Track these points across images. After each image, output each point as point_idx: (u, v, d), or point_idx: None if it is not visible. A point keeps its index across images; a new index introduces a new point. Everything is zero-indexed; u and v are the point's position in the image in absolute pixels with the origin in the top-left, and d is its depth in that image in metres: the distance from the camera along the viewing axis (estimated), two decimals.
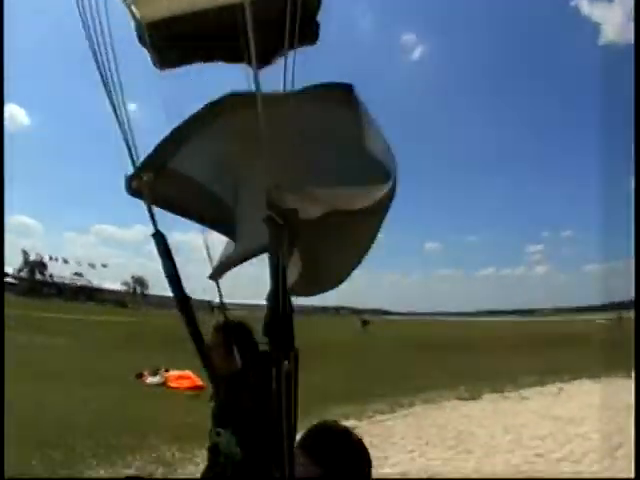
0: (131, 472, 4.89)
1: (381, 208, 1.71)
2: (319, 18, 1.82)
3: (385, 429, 7.48)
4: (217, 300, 2.18)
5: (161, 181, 1.81)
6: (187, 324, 1.89)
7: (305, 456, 1.40)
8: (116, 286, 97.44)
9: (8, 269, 77.04)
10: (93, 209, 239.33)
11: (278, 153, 1.57)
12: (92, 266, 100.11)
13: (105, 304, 54.02)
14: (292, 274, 1.93)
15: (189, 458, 5.48)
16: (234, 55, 1.64)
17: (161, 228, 1.80)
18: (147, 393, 9.16)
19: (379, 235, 1.98)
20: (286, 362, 1.44)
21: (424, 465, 5.96)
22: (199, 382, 8.68)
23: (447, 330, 41.40)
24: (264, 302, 1.54)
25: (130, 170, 1.75)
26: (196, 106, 1.80)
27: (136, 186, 1.76)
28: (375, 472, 1.38)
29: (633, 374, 8.26)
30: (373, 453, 1.39)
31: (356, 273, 2.18)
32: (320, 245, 1.88)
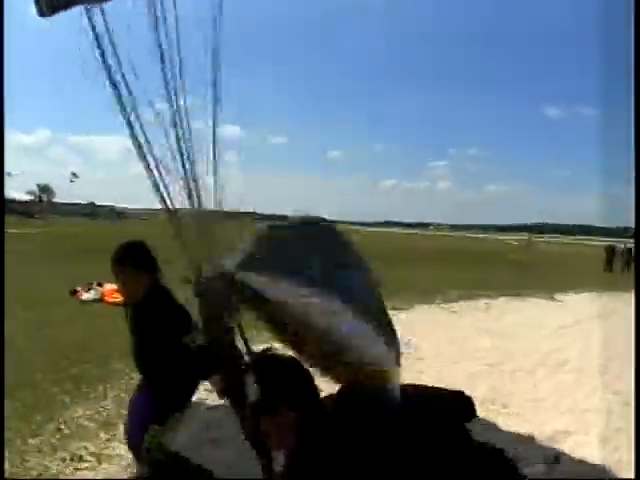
0: (108, 404, 4.45)
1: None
2: None
3: None
4: None
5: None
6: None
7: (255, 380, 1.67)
8: (21, 195, 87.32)
9: None
10: None
11: None
12: None
13: (11, 215, 48.45)
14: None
15: None
16: None
17: None
18: (88, 311, 8.37)
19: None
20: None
21: None
22: None
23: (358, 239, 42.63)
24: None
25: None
26: None
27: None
28: None
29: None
30: None
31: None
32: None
